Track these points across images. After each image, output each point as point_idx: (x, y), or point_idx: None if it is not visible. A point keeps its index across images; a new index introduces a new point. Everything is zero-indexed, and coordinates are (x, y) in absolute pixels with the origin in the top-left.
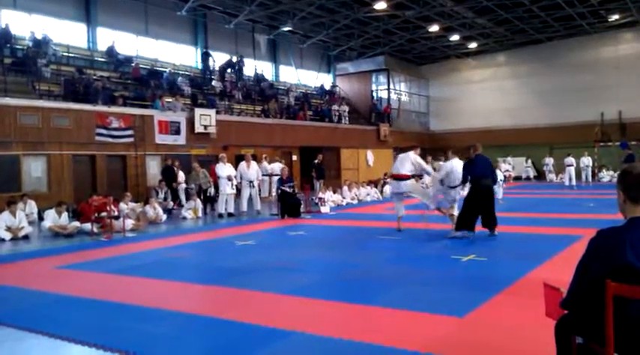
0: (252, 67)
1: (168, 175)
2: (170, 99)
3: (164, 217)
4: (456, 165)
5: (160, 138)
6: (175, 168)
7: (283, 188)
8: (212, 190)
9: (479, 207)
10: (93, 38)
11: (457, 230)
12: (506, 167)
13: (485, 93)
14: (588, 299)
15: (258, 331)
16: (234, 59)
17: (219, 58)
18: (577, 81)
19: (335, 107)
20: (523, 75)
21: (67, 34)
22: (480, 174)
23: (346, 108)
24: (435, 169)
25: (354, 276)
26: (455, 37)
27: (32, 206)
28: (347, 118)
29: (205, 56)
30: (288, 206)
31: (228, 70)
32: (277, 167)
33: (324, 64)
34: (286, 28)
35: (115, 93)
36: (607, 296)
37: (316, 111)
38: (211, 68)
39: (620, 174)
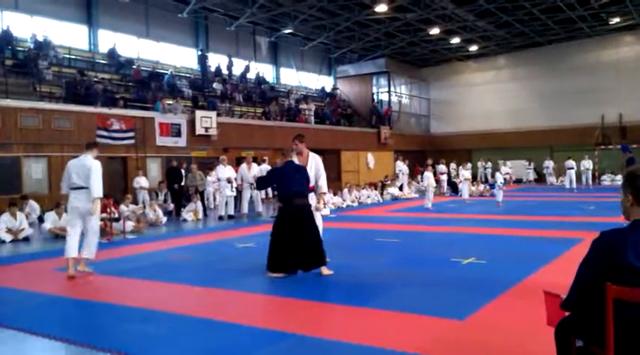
0: (243, 66)
1: (173, 176)
2: (171, 102)
3: (164, 219)
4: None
5: (161, 141)
6: (183, 171)
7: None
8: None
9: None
10: (94, 40)
11: (273, 271)
12: (507, 170)
13: (486, 95)
14: (589, 301)
15: (258, 333)
16: (226, 60)
17: (218, 61)
18: (577, 84)
19: (303, 106)
20: (523, 78)
21: (69, 36)
22: (293, 188)
23: (313, 106)
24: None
25: (353, 279)
26: (455, 40)
27: (34, 207)
28: (313, 118)
29: (202, 58)
30: None
31: (224, 72)
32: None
33: (324, 66)
34: (287, 31)
35: (116, 96)
36: (607, 300)
37: (317, 114)
38: (208, 70)
39: (628, 177)
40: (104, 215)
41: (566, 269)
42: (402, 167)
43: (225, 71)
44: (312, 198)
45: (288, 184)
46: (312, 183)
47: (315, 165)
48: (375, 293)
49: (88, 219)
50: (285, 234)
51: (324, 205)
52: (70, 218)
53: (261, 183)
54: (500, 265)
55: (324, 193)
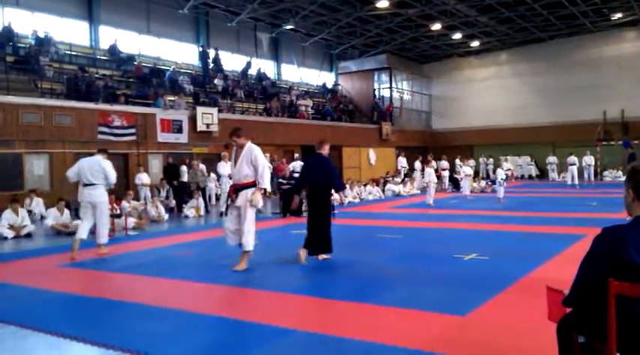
0: (245, 62)
1: (170, 173)
2: (172, 98)
3: (166, 216)
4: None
5: (162, 137)
6: (184, 167)
7: (284, 187)
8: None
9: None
10: (95, 36)
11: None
12: (508, 166)
13: (488, 91)
14: (591, 297)
15: (260, 329)
16: (212, 52)
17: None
18: (579, 79)
19: (301, 101)
20: (525, 73)
21: (70, 32)
22: (309, 178)
23: (310, 103)
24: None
25: (355, 275)
26: (457, 36)
27: (40, 203)
28: (311, 114)
29: (203, 54)
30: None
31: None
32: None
33: (326, 62)
34: (288, 27)
35: (117, 92)
36: (609, 295)
37: (318, 110)
38: (210, 66)
39: (630, 172)
40: None
41: (568, 266)
42: (405, 163)
43: (212, 64)
44: (247, 193)
45: (306, 175)
46: (250, 178)
47: (247, 159)
48: (377, 289)
49: (100, 210)
50: (310, 221)
51: (258, 201)
52: (84, 211)
53: (298, 185)
54: (502, 261)
55: (261, 189)
